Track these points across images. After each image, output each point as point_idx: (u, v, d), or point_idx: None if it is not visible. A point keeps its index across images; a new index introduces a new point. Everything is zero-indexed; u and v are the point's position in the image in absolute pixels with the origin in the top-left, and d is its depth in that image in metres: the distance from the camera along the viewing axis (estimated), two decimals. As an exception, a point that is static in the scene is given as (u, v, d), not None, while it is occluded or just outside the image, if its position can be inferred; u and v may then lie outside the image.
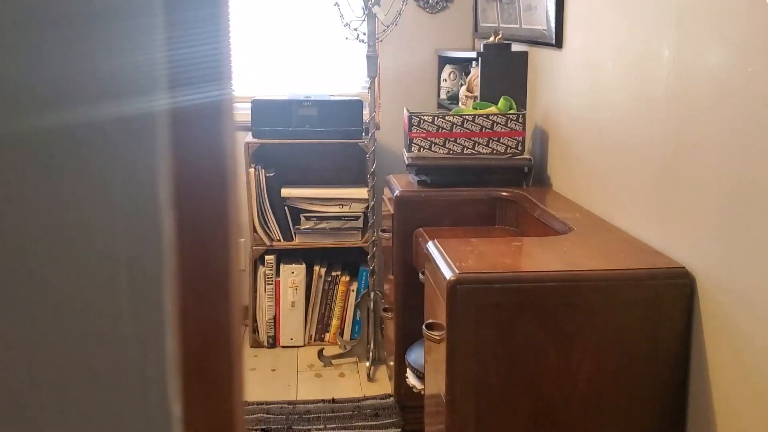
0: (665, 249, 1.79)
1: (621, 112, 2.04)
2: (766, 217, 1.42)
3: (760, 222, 1.43)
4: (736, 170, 1.50)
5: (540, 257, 1.85)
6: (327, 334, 3.52)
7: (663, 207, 1.81)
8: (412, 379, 2.30)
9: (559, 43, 2.49)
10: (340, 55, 3.73)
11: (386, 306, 2.89)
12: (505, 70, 2.84)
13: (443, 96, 3.57)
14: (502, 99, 2.71)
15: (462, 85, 3.30)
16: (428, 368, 1.96)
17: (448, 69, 3.54)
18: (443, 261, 1.78)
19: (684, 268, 1.70)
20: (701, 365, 1.65)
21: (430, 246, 1.92)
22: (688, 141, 1.69)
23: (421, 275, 2.20)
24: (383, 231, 2.82)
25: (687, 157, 1.70)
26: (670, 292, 1.69)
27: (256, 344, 3.49)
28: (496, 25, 3.18)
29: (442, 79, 3.59)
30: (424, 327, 1.84)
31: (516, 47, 2.91)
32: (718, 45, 1.57)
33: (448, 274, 1.69)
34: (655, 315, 1.69)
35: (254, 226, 3.42)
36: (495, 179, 2.62)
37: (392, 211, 2.62)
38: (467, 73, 3.33)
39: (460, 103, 3.25)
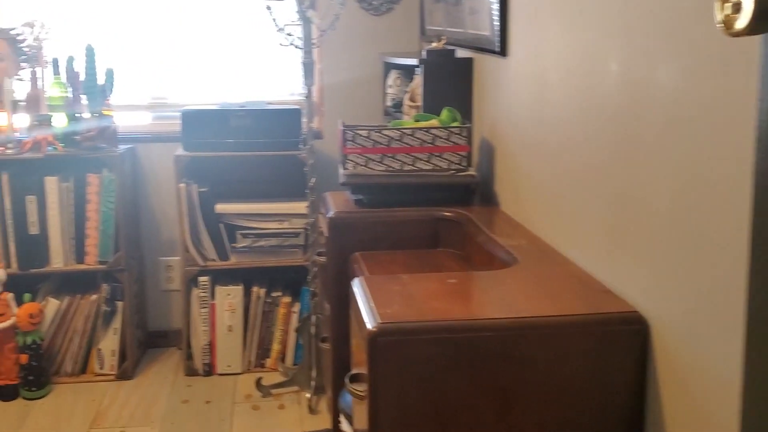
0: (617, 288, 1.60)
1: (568, 130, 1.84)
2: (725, 258, 1.22)
3: (719, 262, 1.23)
4: (691, 203, 1.31)
5: (476, 299, 1.64)
6: (267, 360, 3.30)
7: (615, 239, 1.62)
8: (345, 426, 2.09)
9: (503, 51, 2.28)
10: (278, 60, 3.50)
11: (324, 335, 2.67)
12: (449, 79, 2.64)
13: (389, 103, 3.36)
14: (445, 110, 2.50)
15: (407, 92, 3.09)
16: (355, 422, 1.75)
17: (393, 75, 3.32)
18: (366, 305, 1.56)
19: (637, 312, 1.50)
20: (657, 423, 1.46)
21: (355, 285, 1.70)
22: (640, 168, 1.49)
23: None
24: (319, 254, 2.60)
25: (639, 186, 1.50)
26: (621, 340, 1.49)
27: (191, 372, 3.26)
28: (443, 28, 2.97)
29: (387, 85, 3.38)
30: (347, 379, 1.62)
31: (461, 53, 2.71)
32: (670, 63, 1.37)
33: (369, 323, 1.48)
34: (605, 366, 1.49)
35: (186, 246, 3.18)
36: (438, 198, 2.41)
37: (326, 234, 2.40)
38: (412, 79, 3.12)
39: (403, 112, 3.04)
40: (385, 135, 2.38)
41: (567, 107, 1.83)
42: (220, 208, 3.22)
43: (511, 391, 1.48)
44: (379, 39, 3.47)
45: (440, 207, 2.37)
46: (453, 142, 2.39)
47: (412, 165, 2.40)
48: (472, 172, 2.42)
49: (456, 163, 2.40)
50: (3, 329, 3.02)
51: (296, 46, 2.87)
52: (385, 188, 2.40)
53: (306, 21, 2.81)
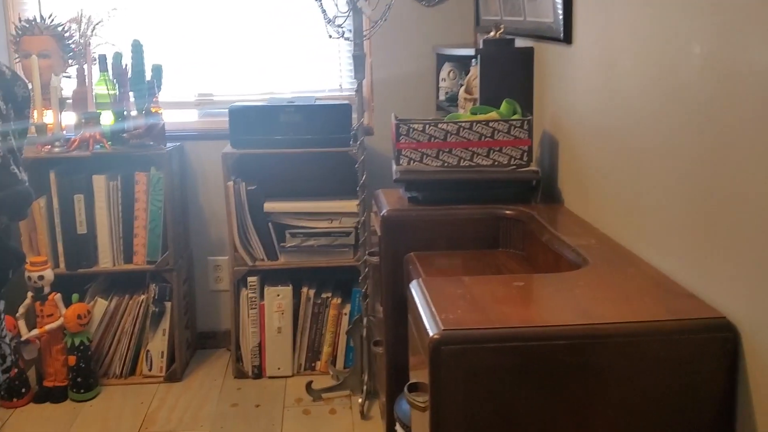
0: (701, 291, 1.46)
1: (644, 120, 1.70)
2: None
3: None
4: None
5: (547, 304, 1.51)
6: (318, 363, 3.21)
7: (698, 237, 1.47)
8: (401, 435, 1.98)
9: (568, 38, 2.15)
10: (326, 52, 3.41)
11: (377, 339, 2.57)
12: (508, 69, 2.50)
13: (442, 97, 3.24)
14: (504, 102, 2.38)
15: (462, 85, 2.96)
16: (414, 434, 1.64)
17: (447, 67, 3.20)
18: (427, 309, 1.45)
19: (725, 318, 1.36)
20: (749, 441, 1.32)
21: (414, 287, 1.59)
22: (730, 159, 1.35)
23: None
24: (371, 254, 2.50)
25: (729, 179, 1.36)
26: (707, 349, 1.35)
27: (241, 375, 3.18)
28: (499, 17, 2.84)
29: (440, 79, 3.26)
30: (406, 389, 1.51)
31: (520, 42, 2.58)
32: (765, 41, 1.23)
33: (431, 330, 1.36)
34: (690, 378, 1.36)
35: (235, 245, 3.10)
36: (497, 195, 2.28)
37: (379, 233, 2.30)
38: (467, 71, 2.99)
39: (458, 106, 2.92)
40: (441, 129, 2.26)
41: (643, 96, 1.69)
42: (269, 206, 3.14)
43: (587, 405, 1.35)
44: (432, 30, 3.35)
45: (500, 205, 2.24)
46: (513, 136, 2.26)
47: (470, 160, 2.28)
48: (534, 167, 2.29)
49: (517, 158, 2.27)
50: (51, 330, 2.98)
51: (347, 39, 2.77)
52: (442, 185, 2.28)
53: (357, 12, 2.71)
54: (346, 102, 3.17)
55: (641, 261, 1.70)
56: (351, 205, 3.05)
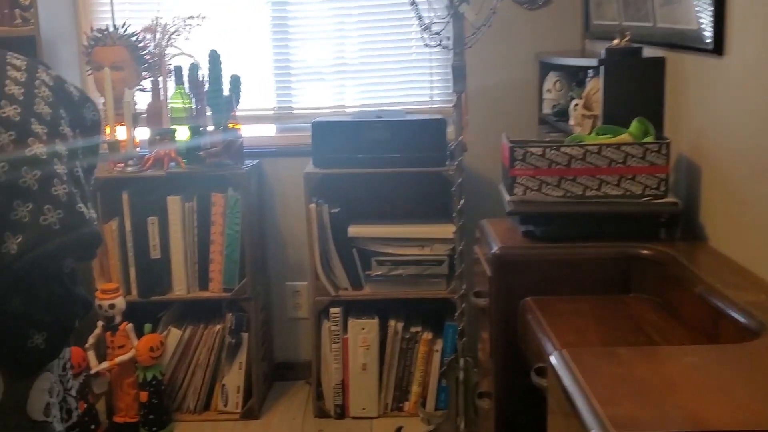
0: None
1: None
2: None
3: None
4: None
5: (734, 392, 1.18)
6: (406, 404, 2.92)
7: None
8: None
9: (719, 49, 1.81)
10: (416, 61, 3.13)
11: (481, 390, 2.27)
12: (635, 83, 2.18)
13: (547, 110, 2.92)
14: (635, 122, 2.05)
15: (572, 98, 2.65)
16: None
17: (552, 77, 2.88)
18: (583, 399, 1.15)
19: None
20: None
21: (558, 362, 1.29)
22: None
23: (535, 376, 1.58)
24: (477, 295, 2.20)
25: None
26: None
27: (322, 414, 2.92)
28: (617, 22, 2.51)
29: (545, 90, 2.94)
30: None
31: (648, 52, 2.24)
32: None
33: (596, 433, 1.06)
34: None
35: (317, 273, 2.84)
36: (629, 231, 1.96)
37: (489, 274, 2.00)
38: (578, 83, 2.67)
39: (570, 120, 2.60)
40: (564, 153, 1.95)
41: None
42: (354, 231, 2.87)
43: None
44: (534, 36, 3.03)
45: (632, 242, 1.92)
46: (649, 162, 1.94)
47: (598, 190, 1.96)
48: (672, 198, 1.96)
49: (653, 188, 1.95)
50: (122, 363, 2.77)
51: (445, 47, 2.48)
52: (564, 218, 1.98)
53: (457, 18, 2.41)
54: (440, 116, 2.88)
55: (838, 329, 1.36)
56: (443, 230, 2.77)
